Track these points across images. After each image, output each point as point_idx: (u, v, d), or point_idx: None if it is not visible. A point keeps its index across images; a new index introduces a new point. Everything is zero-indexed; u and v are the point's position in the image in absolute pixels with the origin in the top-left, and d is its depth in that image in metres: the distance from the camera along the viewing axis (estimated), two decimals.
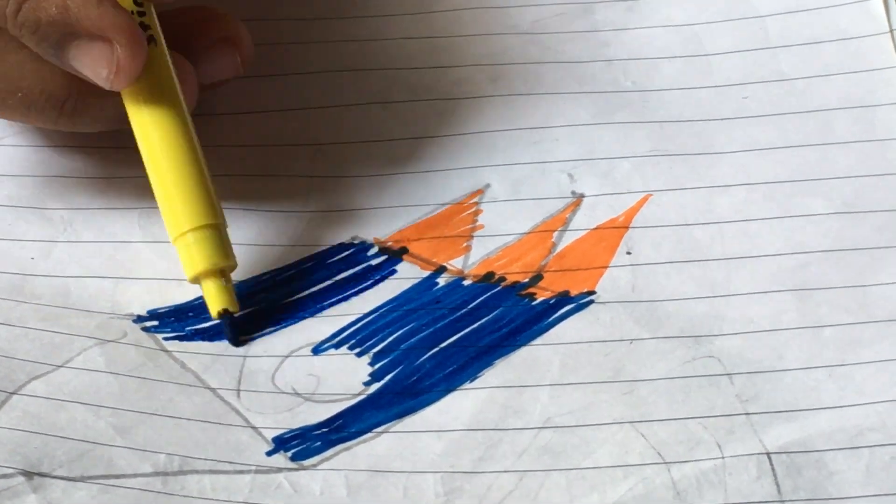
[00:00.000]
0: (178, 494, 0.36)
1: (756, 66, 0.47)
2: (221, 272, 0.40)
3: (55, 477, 0.37)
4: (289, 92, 0.46)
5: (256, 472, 0.37)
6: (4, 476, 0.36)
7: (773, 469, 0.37)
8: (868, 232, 0.42)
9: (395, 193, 0.43)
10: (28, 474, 0.37)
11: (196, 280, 0.40)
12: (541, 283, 0.41)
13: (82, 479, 0.37)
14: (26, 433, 0.37)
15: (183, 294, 0.41)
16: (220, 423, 0.38)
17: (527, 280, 0.41)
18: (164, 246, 0.41)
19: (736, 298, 0.41)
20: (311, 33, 0.48)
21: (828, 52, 0.47)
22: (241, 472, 0.37)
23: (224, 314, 0.39)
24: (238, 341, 0.40)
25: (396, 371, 0.39)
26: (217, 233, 0.39)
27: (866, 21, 0.48)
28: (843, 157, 0.44)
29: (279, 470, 0.37)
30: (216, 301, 0.39)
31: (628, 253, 0.42)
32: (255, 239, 0.42)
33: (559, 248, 0.42)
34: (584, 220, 0.43)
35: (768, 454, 0.37)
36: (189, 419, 0.38)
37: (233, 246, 0.40)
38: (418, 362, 0.39)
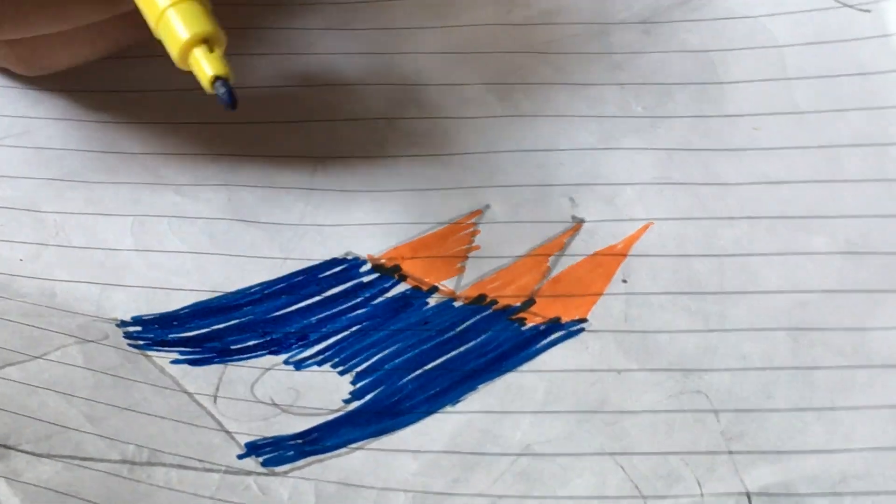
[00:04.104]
0: (143, 482, 0.36)
1: (770, 98, 0.46)
2: (206, 42, 0.37)
3: (20, 451, 0.37)
4: (293, 103, 0.46)
5: (226, 472, 0.37)
6: None
7: None
8: (870, 273, 0.41)
9: (394, 210, 0.43)
10: None
11: (183, 58, 0.37)
12: (532, 308, 0.41)
13: (48, 455, 0.37)
14: None
15: (168, 304, 0.41)
16: (193, 424, 0.38)
17: (518, 304, 0.41)
18: (155, 255, 0.42)
19: (729, 334, 0.40)
20: (318, 44, 0.48)
21: (844, 87, 0.46)
22: (210, 470, 0.37)
23: (217, 80, 0.36)
24: (236, 104, 0.36)
25: (378, 391, 0.39)
26: (199, 4, 0.37)
27: (886, 57, 0.47)
28: (851, 195, 0.43)
29: (248, 473, 0.37)
30: (208, 67, 0.36)
31: (624, 281, 0.41)
32: (247, 251, 0.42)
33: (554, 273, 0.42)
34: (582, 246, 0.42)
35: (748, 494, 0.36)
36: (163, 417, 0.38)
37: (226, 257, 0.40)
38: (400, 383, 0.39)
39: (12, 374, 0.39)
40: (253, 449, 0.38)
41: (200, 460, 0.37)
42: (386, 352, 0.40)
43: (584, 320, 0.40)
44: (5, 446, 0.37)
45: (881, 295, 0.41)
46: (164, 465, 0.37)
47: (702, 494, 0.37)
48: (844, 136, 0.45)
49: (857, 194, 0.43)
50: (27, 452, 0.37)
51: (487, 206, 0.43)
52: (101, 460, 0.37)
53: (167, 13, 0.36)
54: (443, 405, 0.39)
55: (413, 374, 0.39)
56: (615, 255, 0.42)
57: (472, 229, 0.43)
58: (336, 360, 0.40)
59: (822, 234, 0.42)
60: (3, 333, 0.40)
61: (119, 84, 0.46)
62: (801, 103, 0.46)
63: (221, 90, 0.36)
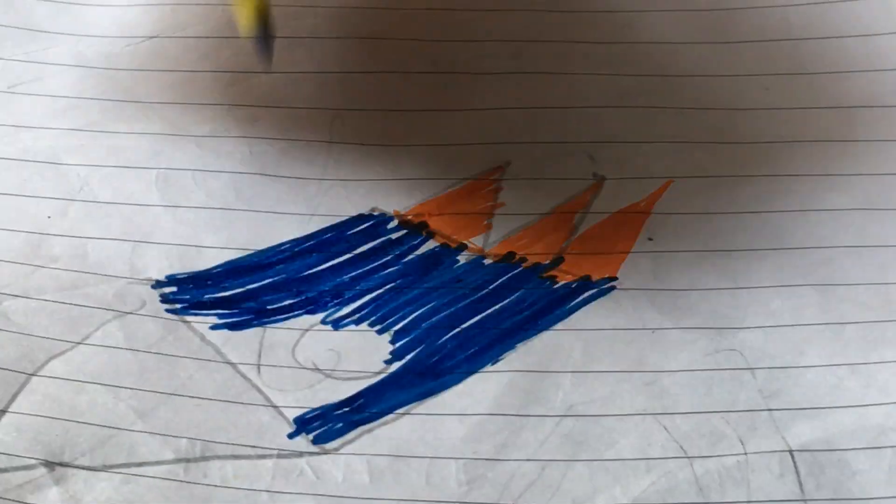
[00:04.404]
0: (200, 483, 0.35)
1: (778, 58, 0.46)
2: None
3: (77, 467, 0.35)
4: (308, 55, 0.45)
5: (278, 456, 0.36)
6: (26, 467, 0.35)
7: (795, 467, 0.36)
8: (891, 230, 0.42)
9: (415, 165, 0.42)
10: (50, 465, 0.36)
11: None
12: (562, 266, 0.40)
13: (104, 468, 0.36)
14: (47, 419, 0.37)
15: (200, 261, 0.40)
16: (240, 403, 0.37)
17: (548, 262, 0.41)
18: (183, 211, 0.40)
19: (758, 291, 0.40)
20: None
21: (850, 48, 0.47)
22: (263, 456, 0.36)
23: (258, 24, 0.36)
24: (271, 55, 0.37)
25: (418, 350, 0.38)
26: None
27: (888, 18, 0.47)
28: (863, 154, 0.44)
29: (301, 454, 0.36)
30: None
31: (650, 239, 0.41)
32: (273, 206, 0.41)
33: (580, 231, 0.41)
34: (606, 204, 0.42)
35: (791, 451, 0.37)
36: (210, 399, 0.37)
37: (253, 213, 0.39)
38: (440, 342, 0.38)
39: (57, 369, 0.37)
40: (302, 425, 0.37)
41: (253, 446, 0.36)
42: (422, 310, 0.39)
43: (614, 278, 0.40)
44: (62, 464, 0.35)
45: None
46: (218, 457, 0.36)
47: (745, 453, 0.37)
48: (853, 96, 0.45)
49: (869, 154, 0.44)
50: (84, 468, 0.35)
51: (508, 163, 0.43)
52: (157, 463, 0.36)
53: None
54: (483, 364, 0.38)
55: (451, 333, 0.39)
56: (639, 213, 0.42)
57: (495, 185, 0.42)
58: (373, 318, 0.39)
59: (841, 191, 0.43)
60: (41, 318, 0.38)
61: (128, 31, 0.44)
62: (809, 64, 0.46)
63: (261, 35, 0.36)
